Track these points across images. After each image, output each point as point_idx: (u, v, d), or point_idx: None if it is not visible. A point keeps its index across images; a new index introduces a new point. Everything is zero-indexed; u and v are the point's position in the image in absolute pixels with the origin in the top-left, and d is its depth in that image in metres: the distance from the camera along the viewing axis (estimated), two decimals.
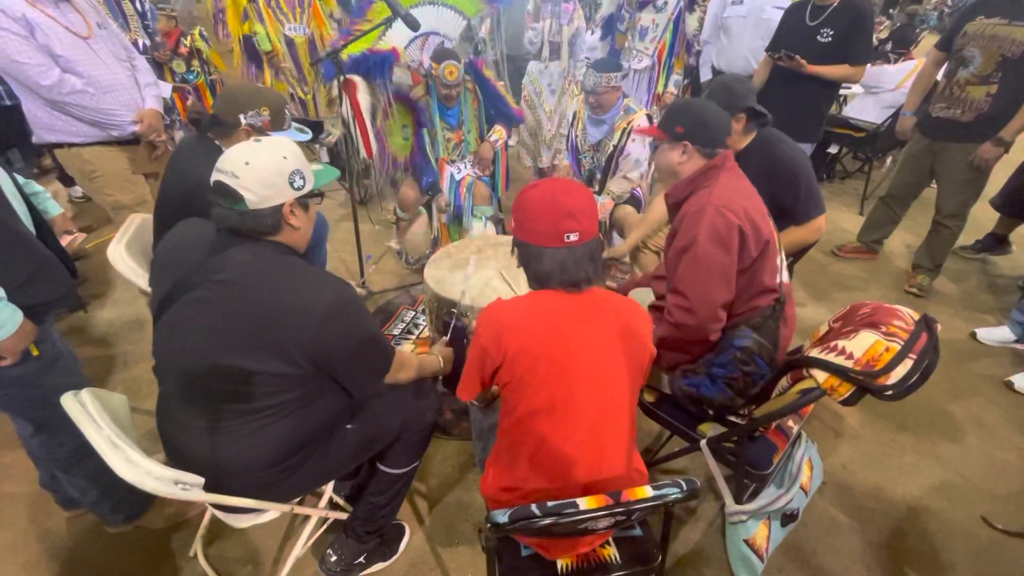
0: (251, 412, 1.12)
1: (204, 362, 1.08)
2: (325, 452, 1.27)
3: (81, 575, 1.59)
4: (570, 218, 1.06)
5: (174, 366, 1.14)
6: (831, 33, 2.66)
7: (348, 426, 1.32)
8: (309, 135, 1.77)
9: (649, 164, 2.67)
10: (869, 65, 3.99)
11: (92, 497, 1.55)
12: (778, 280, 1.47)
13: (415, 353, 1.46)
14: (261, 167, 1.08)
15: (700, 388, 1.47)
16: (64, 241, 1.58)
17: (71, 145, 2.17)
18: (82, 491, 1.54)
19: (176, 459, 1.21)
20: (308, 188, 1.17)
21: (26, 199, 1.37)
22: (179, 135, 3.79)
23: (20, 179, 1.44)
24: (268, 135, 1.63)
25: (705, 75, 3.61)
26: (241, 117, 1.61)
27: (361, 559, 1.53)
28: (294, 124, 1.75)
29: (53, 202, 1.64)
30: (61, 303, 1.36)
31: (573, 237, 1.06)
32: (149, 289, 1.73)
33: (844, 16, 2.63)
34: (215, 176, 1.09)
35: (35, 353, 1.29)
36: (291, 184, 1.12)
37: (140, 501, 1.64)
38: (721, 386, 1.45)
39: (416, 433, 1.45)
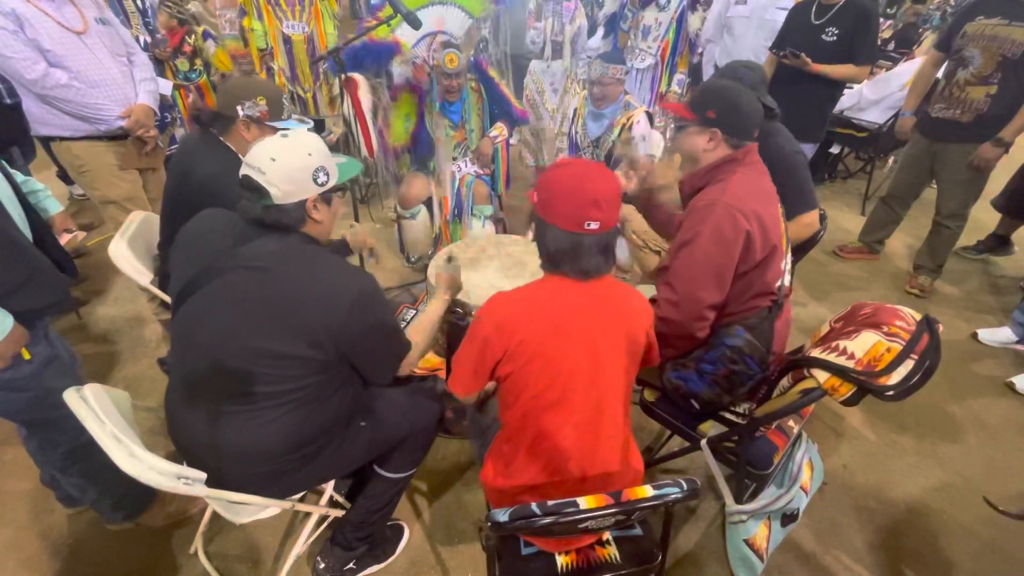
0: (272, 396, 1.13)
1: (232, 345, 1.10)
2: (340, 444, 1.28)
3: (82, 572, 1.59)
4: (595, 206, 1.05)
5: (195, 349, 1.15)
6: (836, 32, 2.65)
7: (362, 423, 1.34)
8: (310, 124, 1.75)
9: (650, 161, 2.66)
10: (867, 81, 3.97)
11: (92, 495, 1.55)
12: (779, 283, 1.44)
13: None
14: (287, 163, 1.11)
15: (688, 382, 1.47)
16: (64, 239, 1.57)
17: (62, 139, 2.19)
18: (81, 490, 1.54)
19: (185, 448, 1.21)
20: (332, 184, 1.20)
21: (24, 201, 1.36)
22: (180, 132, 3.79)
23: (20, 177, 1.43)
24: (266, 125, 1.64)
25: (708, 74, 3.60)
26: (238, 108, 1.61)
27: (351, 565, 1.53)
28: (294, 115, 1.74)
29: (53, 200, 1.64)
30: (54, 309, 1.35)
31: (594, 225, 1.05)
32: (150, 286, 1.75)
33: (850, 15, 2.62)
34: (244, 170, 1.13)
35: (26, 357, 1.29)
36: (315, 180, 1.15)
37: (140, 498, 1.64)
38: (708, 381, 1.44)
39: (420, 438, 1.46)
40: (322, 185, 1.17)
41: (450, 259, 1.67)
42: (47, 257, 1.33)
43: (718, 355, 1.42)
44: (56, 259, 1.37)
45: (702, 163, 1.45)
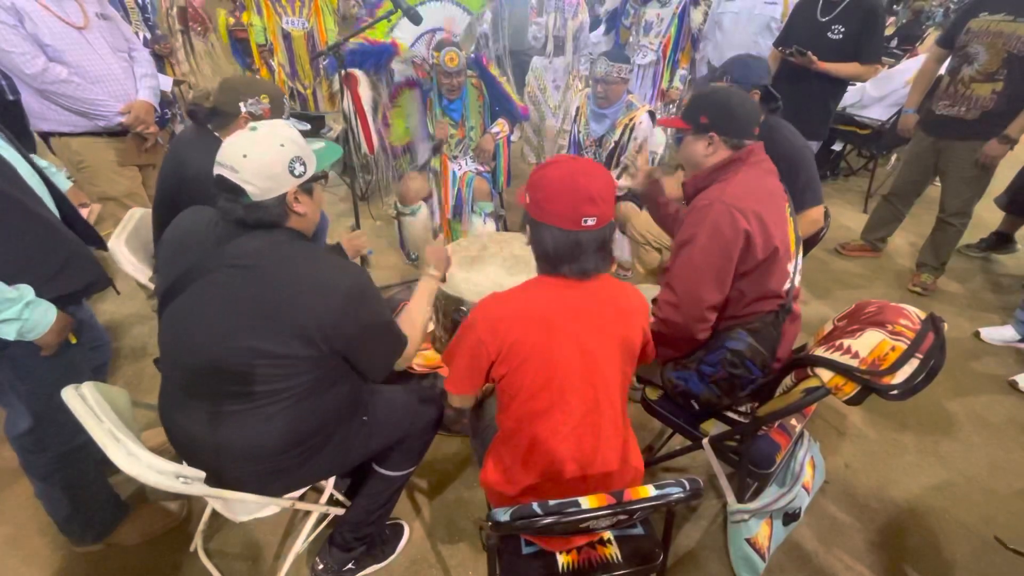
0: (270, 394, 1.12)
1: (222, 345, 1.08)
2: (341, 440, 1.27)
3: (81, 569, 1.59)
4: (590, 203, 1.03)
5: (187, 351, 1.13)
6: (842, 30, 2.62)
7: (364, 418, 1.33)
8: (308, 127, 1.74)
9: (652, 162, 2.65)
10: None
11: (65, 511, 1.49)
12: (786, 286, 1.42)
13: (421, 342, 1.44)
14: (259, 158, 1.07)
15: (688, 382, 1.47)
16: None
17: (61, 134, 2.18)
18: (56, 504, 1.48)
19: (183, 447, 1.20)
20: (310, 173, 1.16)
21: (45, 179, 1.33)
22: (180, 128, 3.78)
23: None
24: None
25: (701, 71, 3.58)
26: (241, 105, 1.61)
27: (350, 565, 1.52)
28: (293, 117, 1.72)
29: (61, 176, 1.59)
30: (92, 289, 1.33)
31: (591, 221, 1.04)
32: (149, 283, 1.75)
33: (856, 13, 2.60)
34: (216, 170, 1.08)
35: (73, 341, 1.26)
36: (291, 172, 1.11)
37: (111, 518, 1.58)
38: (708, 383, 1.43)
39: (419, 436, 1.45)
40: (300, 176, 1.12)
41: (436, 235, 1.65)
42: (75, 233, 1.31)
43: (719, 358, 1.40)
44: (83, 234, 1.35)
45: (705, 167, 1.45)
